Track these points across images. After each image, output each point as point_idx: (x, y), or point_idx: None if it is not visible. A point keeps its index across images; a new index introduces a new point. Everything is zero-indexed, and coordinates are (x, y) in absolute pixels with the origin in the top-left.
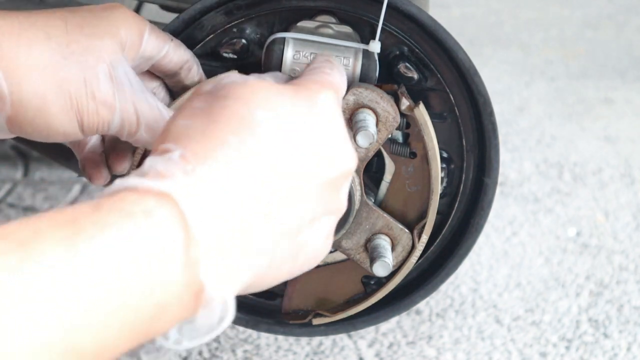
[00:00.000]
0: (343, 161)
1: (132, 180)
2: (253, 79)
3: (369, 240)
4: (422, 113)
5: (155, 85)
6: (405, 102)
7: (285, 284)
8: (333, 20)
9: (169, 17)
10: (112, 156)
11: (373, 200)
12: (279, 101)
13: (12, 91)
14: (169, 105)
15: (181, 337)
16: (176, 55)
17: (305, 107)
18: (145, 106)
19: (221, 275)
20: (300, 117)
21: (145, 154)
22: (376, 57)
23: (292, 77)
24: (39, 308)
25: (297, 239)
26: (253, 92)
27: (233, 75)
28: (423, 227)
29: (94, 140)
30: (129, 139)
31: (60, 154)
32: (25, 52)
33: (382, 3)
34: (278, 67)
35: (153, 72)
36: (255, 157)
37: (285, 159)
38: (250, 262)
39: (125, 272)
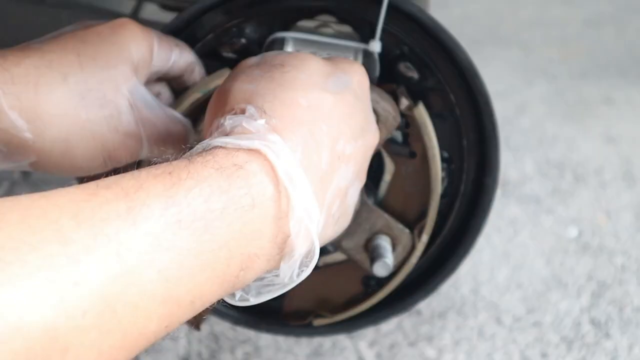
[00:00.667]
0: (373, 133)
1: (220, 139)
2: (297, 52)
3: (369, 241)
4: (421, 113)
5: (160, 86)
6: (404, 102)
7: None
8: (333, 19)
9: (169, 16)
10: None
11: (373, 200)
12: (327, 70)
13: (35, 140)
14: (173, 104)
15: (247, 294)
16: (182, 61)
17: (345, 80)
18: (166, 122)
19: (306, 227)
20: (345, 88)
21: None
22: (376, 56)
23: None
24: (144, 257)
25: (344, 200)
26: (303, 61)
27: (277, 51)
28: (423, 227)
29: None
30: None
31: None
32: (45, 100)
33: (382, 3)
34: None
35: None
36: (323, 119)
37: (342, 123)
38: (323, 216)
39: (218, 225)
